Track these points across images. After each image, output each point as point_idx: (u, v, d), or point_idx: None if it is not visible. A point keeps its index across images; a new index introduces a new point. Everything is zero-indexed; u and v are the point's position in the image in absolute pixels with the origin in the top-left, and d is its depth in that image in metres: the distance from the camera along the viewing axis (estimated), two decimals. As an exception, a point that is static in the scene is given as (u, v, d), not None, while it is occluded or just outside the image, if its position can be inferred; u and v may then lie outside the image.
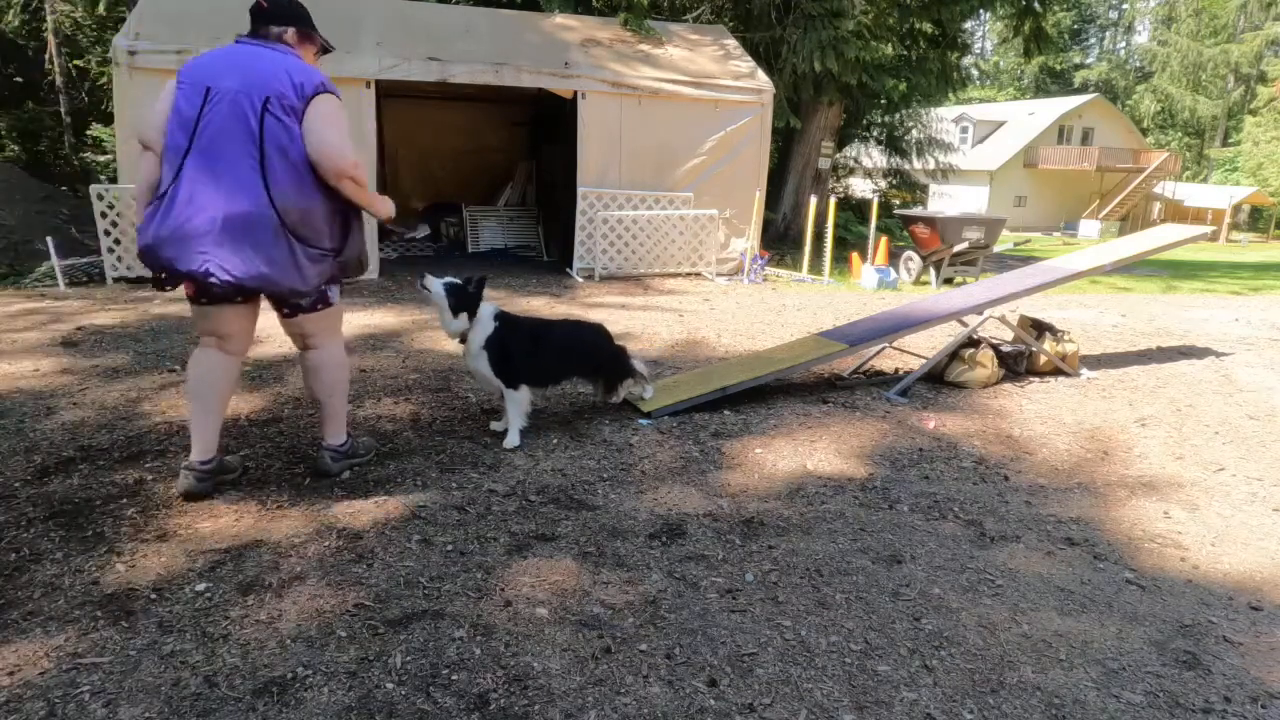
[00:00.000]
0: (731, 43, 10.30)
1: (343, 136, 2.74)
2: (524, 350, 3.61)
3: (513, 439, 3.62)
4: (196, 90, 2.66)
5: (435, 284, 3.44)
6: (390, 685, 1.98)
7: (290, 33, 2.86)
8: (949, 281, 10.29)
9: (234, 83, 2.65)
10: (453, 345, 5.17)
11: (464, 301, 3.46)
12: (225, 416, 3.84)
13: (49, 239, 7.52)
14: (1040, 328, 5.33)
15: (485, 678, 2.03)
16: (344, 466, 3.23)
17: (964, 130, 36.88)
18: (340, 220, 2.87)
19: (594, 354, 3.95)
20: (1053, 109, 37.60)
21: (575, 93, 8.74)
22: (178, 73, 2.72)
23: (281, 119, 2.65)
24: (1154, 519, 3.21)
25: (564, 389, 4.35)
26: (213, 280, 2.64)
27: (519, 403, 3.64)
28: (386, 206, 3.01)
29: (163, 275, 2.78)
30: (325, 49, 3.04)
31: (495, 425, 3.85)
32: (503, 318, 3.60)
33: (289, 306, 2.91)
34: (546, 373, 3.80)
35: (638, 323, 6.51)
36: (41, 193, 10.21)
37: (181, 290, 2.86)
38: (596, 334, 4.02)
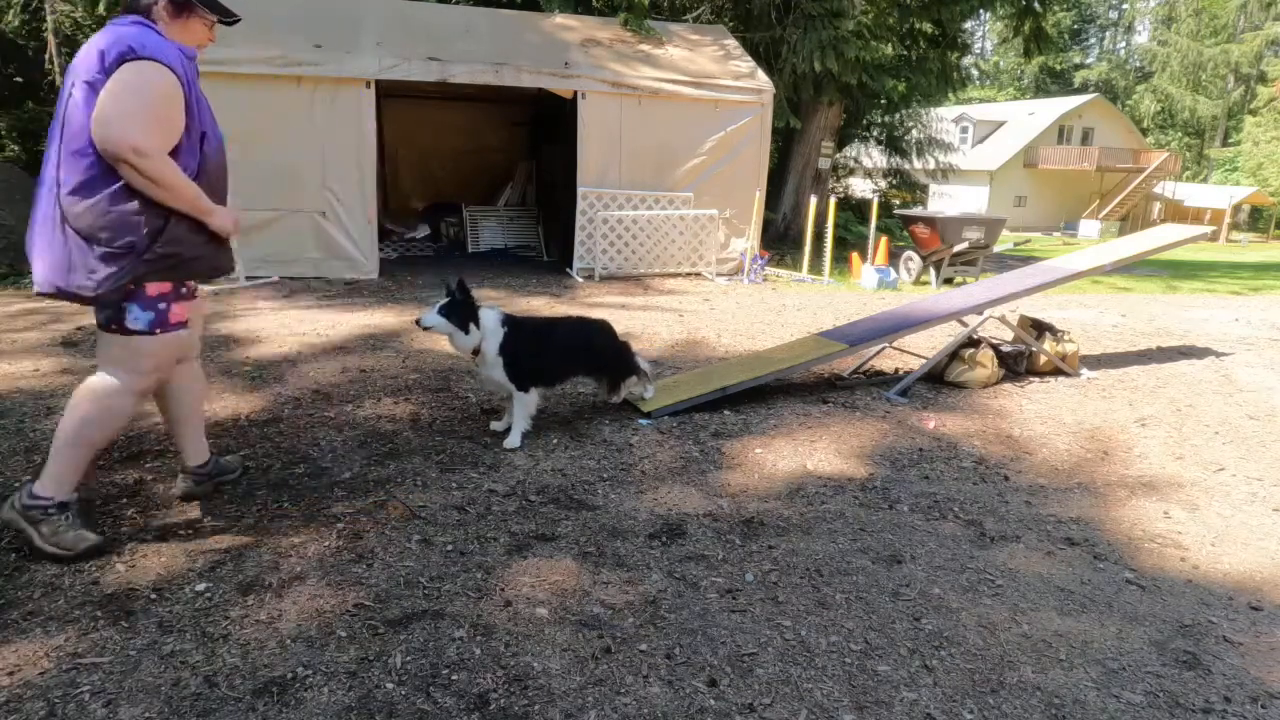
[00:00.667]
0: (731, 43, 10.30)
1: (127, 108, 2.23)
2: (533, 351, 3.61)
3: (514, 440, 3.62)
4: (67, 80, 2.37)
5: (432, 318, 3.40)
6: (390, 685, 1.98)
7: (160, 3, 2.45)
8: (949, 281, 10.29)
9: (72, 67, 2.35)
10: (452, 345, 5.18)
11: (466, 315, 3.44)
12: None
13: (49, 239, 7.51)
14: (1040, 328, 5.33)
15: (485, 678, 2.03)
16: (17, 526, 2.46)
17: (964, 130, 36.88)
18: (155, 211, 2.35)
19: (599, 351, 3.95)
20: (1053, 109, 37.60)
21: (575, 93, 8.74)
22: None
23: (81, 100, 2.28)
24: (1154, 519, 3.21)
25: (564, 389, 4.35)
26: (36, 289, 2.44)
27: (527, 405, 3.65)
28: (200, 209, 2.44)
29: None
30: (224, 20, 2.64)
31: (495, 425, 3.85)
32: (510, 322, 3.60)
33: (98, 323, 2.50)
34: (554, 372, 3.80)
35: (638, 323, 6.51)
36: (41, 193, 10.19)
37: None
38: (601, 331, 4.02)
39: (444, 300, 3.43)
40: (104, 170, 2.28)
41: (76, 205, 2.30)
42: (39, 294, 2.44)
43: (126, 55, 2.26)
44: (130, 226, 2.33)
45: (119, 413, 2.53)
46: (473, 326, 3.45)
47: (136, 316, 2.44)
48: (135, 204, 2.32)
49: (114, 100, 2.23)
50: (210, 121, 2.55)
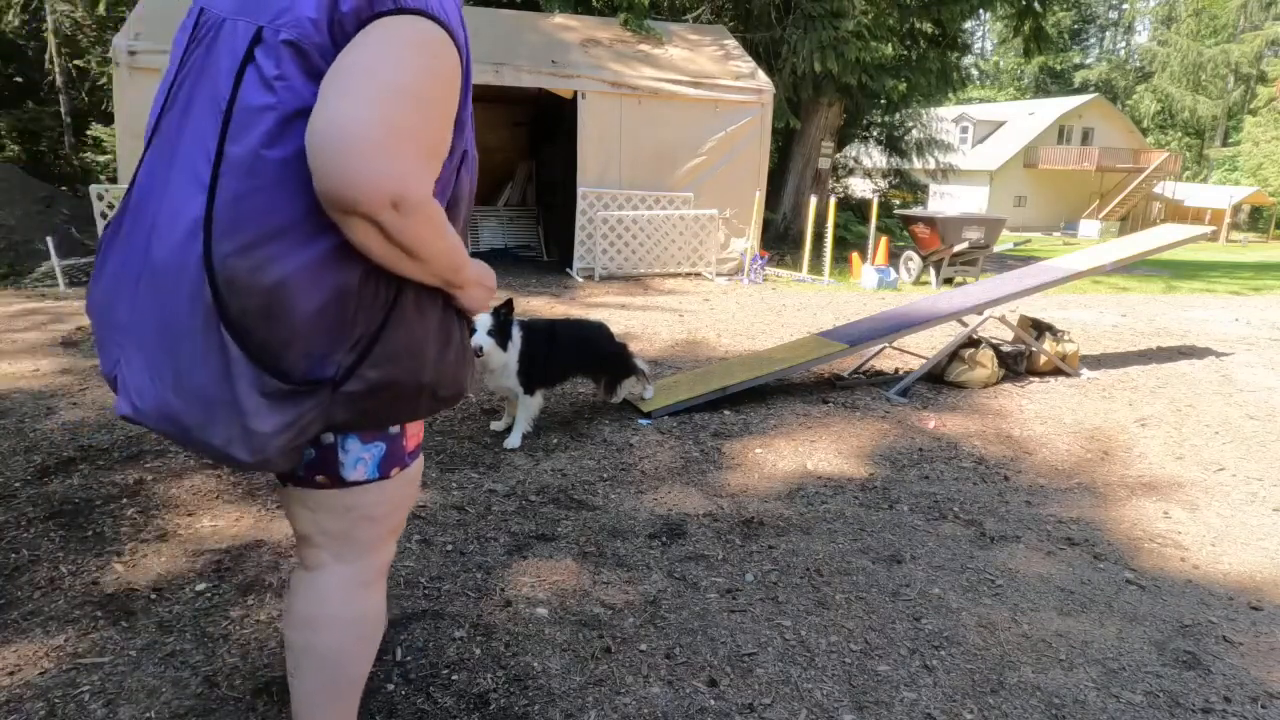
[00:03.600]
0: (731, 43, 10.30)
1: (398, 117, 1.09)
2: (541, 355, 3.63)
3: (514, 440, 3.62)
4: (189, 21, 1.30)
5: (485, 341, 3.36)
6: (390, 685, 1.98)
7: None
8: (949, 281, 10.29)
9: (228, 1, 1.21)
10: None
11: (505, 333, 3.45)
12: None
13: (49, 239, 7.52)
14: (1040, 328, 5.33)
15: (485, 678, 2.03)
16: None
17: (964, 130, 36.88)
18: (376, 299, 1.22)
19: (596, 352, 3.96)
20: (1053, 109, 37.59)
21: (575, 93, 8.74)
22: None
23: (273, 72, 1.13)
24: (1154, 519, 3.21)
25: (564, 389, 4.35)
26: (122, 407, 1.29)
27: (532, 408, 3.67)
28: (471, 278, 1.34)
29: None
30: None
31: (495, 425, 3.85)
32: (524, 328, 3.61)
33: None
34: (555, 373, 3.81)
35: (638, 322, 6.51)
36: (41, 193, 10.22)
37: None
38: (598, 332, 4.03)
39: (489, 322, 3.40)
40: (318, 218, 1.14)
41: (247, 285, 1.14)
42: (125, 415, 1.29)
43: (385, 5, 1.12)
44: (347, 329, 1.20)
45: (377, 618, 1.49)
46: (510, 344, 3.48)
47: (356, 457, 1.34)
48: (370, 286, 1.21)
49: (365, 89, 1.08)
50: (471, 130, 1.39)
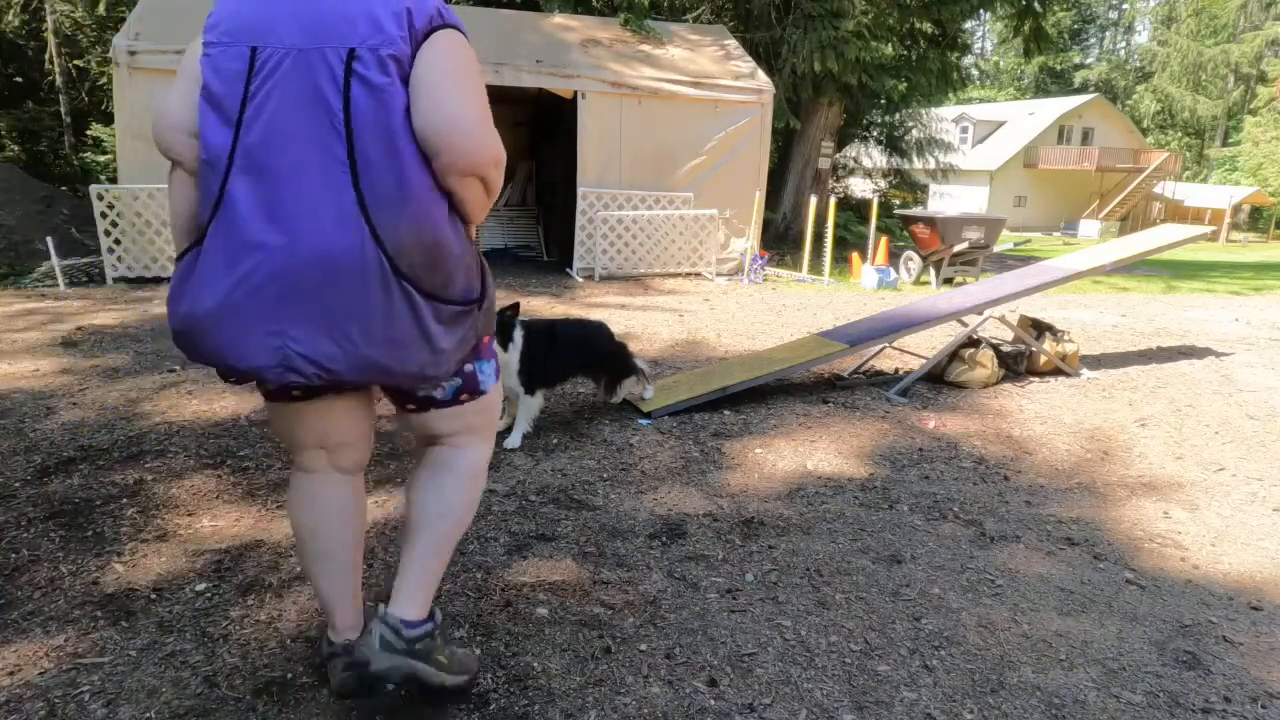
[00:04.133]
0: (731, 43, 10.30)
1: (480, 102, 1.58)
2: (542, 355, 3.63)
3: (514, 440, 3.62)
4: (235, 54, 1.51)
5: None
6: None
7: None
8: (949, 281, 10.29)
9: (294, 32, 1.51)
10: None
11: (507, 334, 3.47)
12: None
13: (49, 239, 7.53)
14: (1040, 328, 5.33)
15: (485, 678, 2.03)
16: (406, 671, 1.76)
17: (964, 130, 36.89)
18: (474, 249, 1.74)
19: (597, 351, 3.96)
20: (1053, 109, 37.61)
21: (575, 93, 8.74)
22: (204, 29, 1.55)
23: (377, 83, 1.49)
24: (1154, 519, 3.21)
25: (564, 389, 4.35)
26: (294, 379, 1.57)
27: (532, 408, 3.67)
28: None
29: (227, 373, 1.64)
30: None
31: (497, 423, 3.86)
32: (526, 328, 3.62)
33: (415, 401, 1.80)
34: (555, 373, 3.82)
35: (638, 323, 6.51)
36: (41, 193, 10.22)
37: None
38: (599, 332, 4.03)
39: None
40: (437, 192, 1.58)
41: (412, 248, 1.55)
42: (316, 376, 1.57)
43: (436, 20, 1.55)
44: (470, 271, 1.70)
45: (484, 482, 2.01)
46: (510, 344, 3.49)
47: (487, 374, 1.86)
48: (462, 234, 1.68)
49: (464, 89, 1.55)
50: None
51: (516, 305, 3.51)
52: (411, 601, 1.81)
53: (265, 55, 1.51)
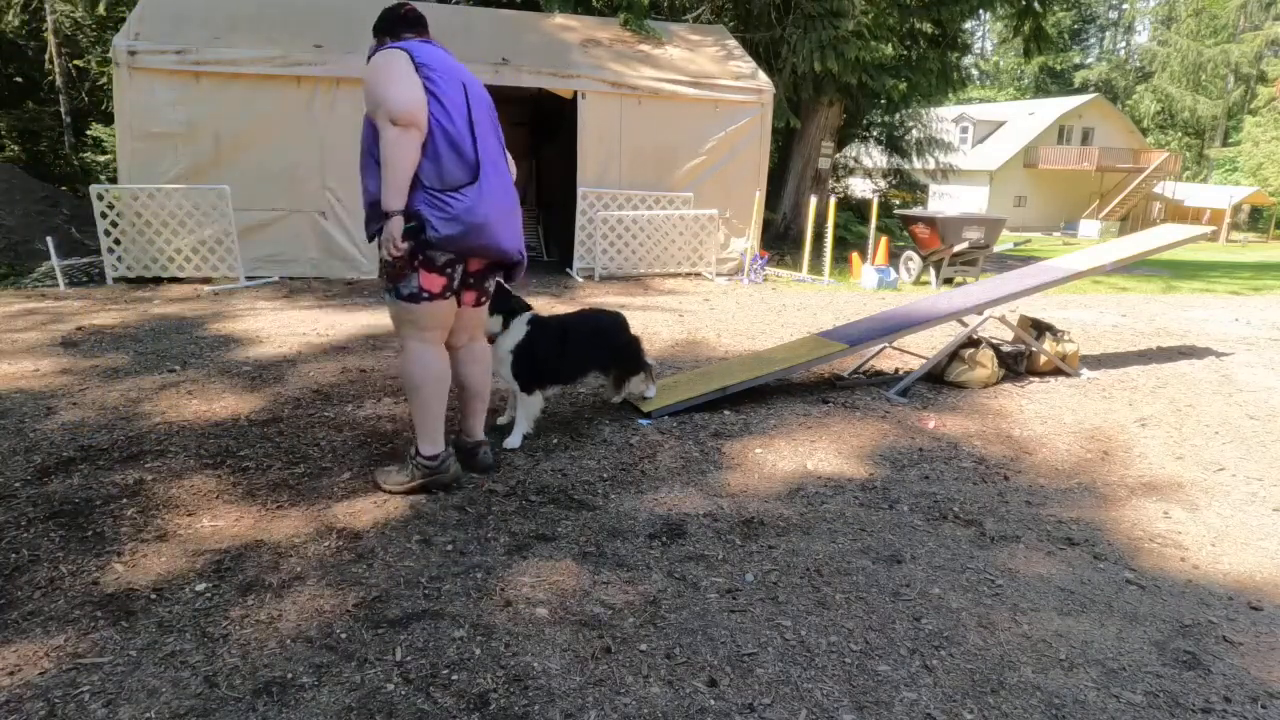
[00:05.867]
0: (732, 43, 10.30)
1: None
2: (551, 353, 3.62)
3: (514, 440, 3.62)
4: (455, 83, 2.79)
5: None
6: (390, 685, 1.98)
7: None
8: (949, 281, 10.29)
9: (476, 86, 2.92)
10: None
11: (500, 304, 3.46)
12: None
13: (49, 239, 7.53)
14: (1040, 328, 5.33)
15: (485, 678, 2.03)
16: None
17: (964, 130, 36.88)
18: None
19: (612, 344, 3.96)
20: (1053, 109, 37.60)
21: (575, 93, 8.74)
22: (418, 58, 2.72)
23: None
24: (1154, 519, 3.21)
25: (564, 388, 4.35)
26: (517, 259, 3.04)
27: (531, 407, 3.66)
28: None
29: (450, 261, 2.85)
30: None
31: (500, 420, 3.86)
32: (534, 322, 3.60)
33: (485, 293, 3.16)
34: (567, 371, 3.81)
35: (638, 322, 6.49)
36: (41, 193, 10.22)
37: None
38: (615, 323, 4.02)
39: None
40: None
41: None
42: (522, 257, 3.12)
43: None
44: None
45: None
46: (499, 318, 3.48)
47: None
48: None
49: None
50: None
51: (526, 304, 3.54)
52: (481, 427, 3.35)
53: (469, 89, 2.88)
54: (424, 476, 3.05)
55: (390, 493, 3.04)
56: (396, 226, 2.70)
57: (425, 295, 2.85)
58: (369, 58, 2.83)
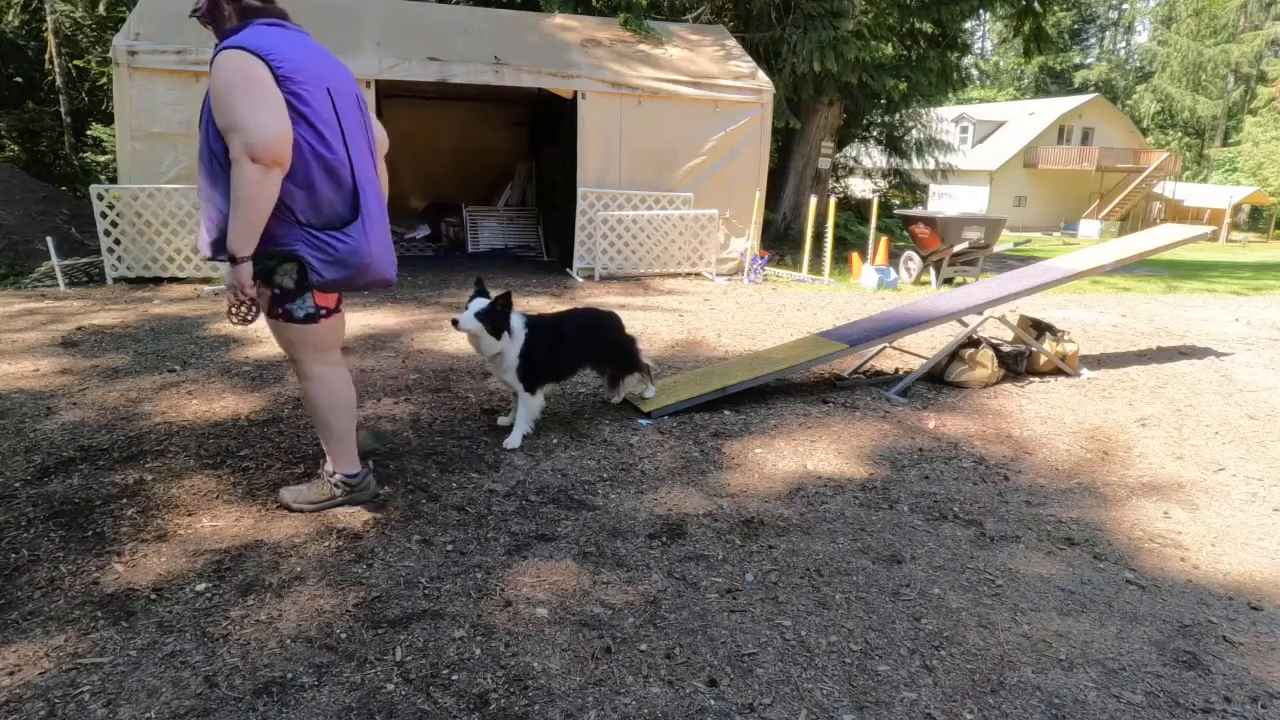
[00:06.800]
0: (731, 43, 10.30)
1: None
2: (547, 352, 3.63)
3: (514, 440, 3.62)
4: (320, 90, 2.44)
5: (470, 321, 3.40)
6: (390, 685, 1.98)
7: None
8: (949, 281, 10.29)
9: (340, 80, 2.54)
10: (452, 345, 5.19)
11: (500, 323, 3.46)
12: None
13: (49, 239, 7.53)
14: (1040, 328, 5.33)
15: (485, 678, 2.03)
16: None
17: (964, 130, 36.88)
18: None
19: (607, 342, 3.96)
20: (1053, 109, 37.60)
21: (575, 93, 8.74)
22: (279, 67, 2.32)
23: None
24: (1154, 519, 3.21)
25: (564, 388, 4.35)
26: (394, 281, 2.80)
27: (532, 407, 3.66)
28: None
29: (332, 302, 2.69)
30: None
31: (501, 420, 3.87)
32: (531, 325, 3.61)
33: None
34: (563, 367, 3.82)
35: (638, 323, 6.50)
36: (41, 193, 10.21)
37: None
38: (610, 322, 4.03)
39: (481, 304, 3.42)
40: None
41: None
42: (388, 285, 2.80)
43: None
44: None
45: None
46: (505, 334, 3.47)
47: None
48: None
49: None
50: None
51: (507, 295, 3.48)
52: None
53: (336, 93, 2.51)
54: (345, 495, 2.89)
55: (301, 511, 2.85)
56: (245, 274, 2.37)
57: (323, 312, 2.65)
58: (215, 50, 2.37)
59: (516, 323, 3.55)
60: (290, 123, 2.32)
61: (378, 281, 2.71)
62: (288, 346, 2.71)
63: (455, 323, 3.42)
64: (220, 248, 2.42)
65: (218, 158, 2.37)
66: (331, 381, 2.75)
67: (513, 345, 3.51)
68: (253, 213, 2.31)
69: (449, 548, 2.69)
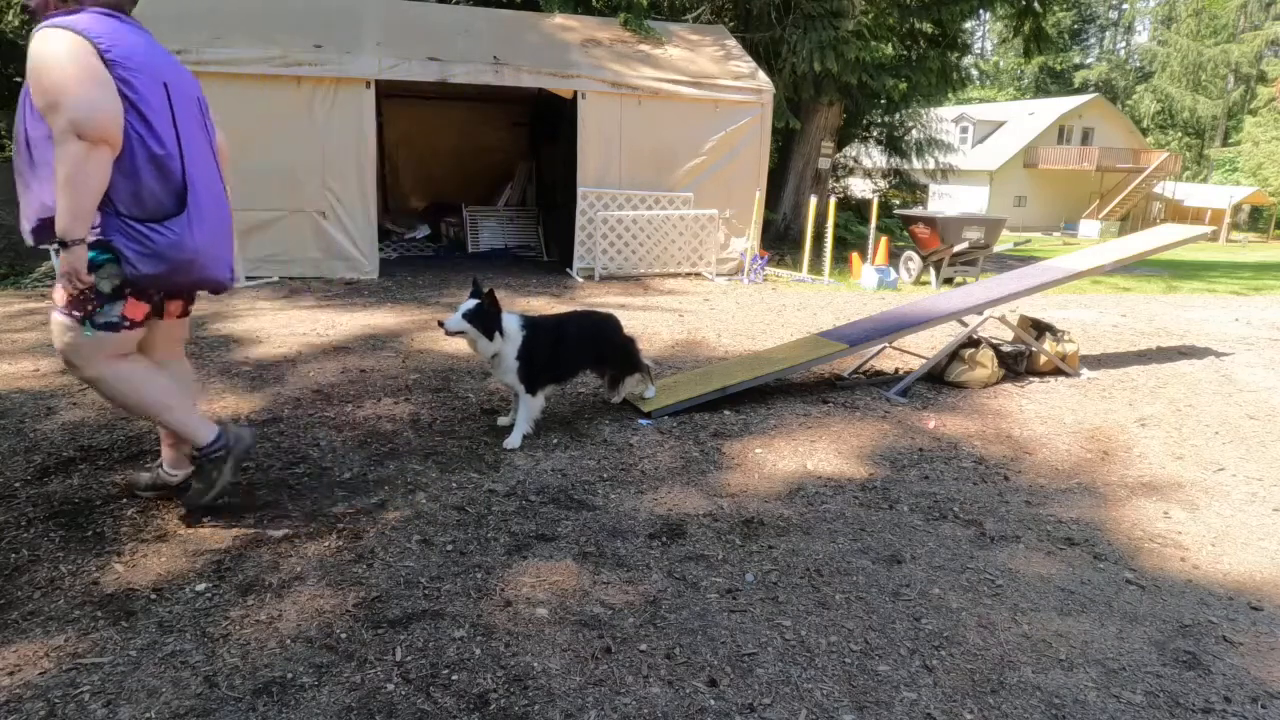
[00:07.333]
0: (731, 43, 10.30)
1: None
2: (546, 353, 3.63)
3: (514, 440, 3.62)
4: (156, 84, 2.39)
5: (457, 323, 3.40)
6: (390, 685, 1.98)
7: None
8: (949, 281, 10.29)
9: (181, 80, 2.55)
10: (452, 345, 5.18)
11: (491, 322, 3.46)
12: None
13: (49, 239, 7.51)
14: (1040, 328, 5.33)
15: (485, 678, 2.03)
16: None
17: (964, 130, 36.88)
18: None
19: (606, 344, 3.97)
20: (1053, 109, 37.61)
21: (575, 93, 8.74)
22: (109, 52, 2.25)
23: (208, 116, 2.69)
24: (1154, 519, 3.21)
25: (564, 389, 4.35)
26: (228, 285, 2.68)
27: (533, 408, 3.67)
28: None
29: (159, 295, 2.52)
30: None
31: (502, 420, 3.87)
32: (528, 326, 3.61)
33: (192, 299, 2.79)
34: (563, 368, 3.82)
35: (638, 323, 6.50)
36: (41, 193, 10.19)
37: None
38: (609, 324, 4.03)
39: (469, 305, 3.43)
40: None
41: None
42: (233, 281, 2.72)
43: None
44: None
45: None
46: (497, 334, 3.47)
47: None
48: None
49: None
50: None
51: (490, 292, 3.46)
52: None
53: (172, 88, 2.47)
54: (222, 461, 2.69)
55: (206, 504, 2.74)
56: (80, 258, 2.24)
57: (126, 324, 2.46)
58: (34, 30, 2.30)
59: (513, 324, 3.55)
60: (120, 104, 2.24)
61: (205, 281, 2.57)
62: (69, 349, 2.44)
63: (443, 327, 3.42)
64: (45, 233, 2.30)
65: (37, 145, 2.26)
66: (127, 373, 2.55)
67: (509, 346, 3.52)
68: (83, 193, 2.20)
69: (449, 548, 2.69)
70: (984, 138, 37.86)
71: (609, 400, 4.26)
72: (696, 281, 9.23)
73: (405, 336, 5.68)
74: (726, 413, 4.21)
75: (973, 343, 4.95)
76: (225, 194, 2.66)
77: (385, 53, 8.02)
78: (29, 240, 2.41)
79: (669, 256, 9.31)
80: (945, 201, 28.14)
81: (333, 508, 2.94)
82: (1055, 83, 51.20)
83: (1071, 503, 3.34)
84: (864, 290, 9.43)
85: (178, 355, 2.87)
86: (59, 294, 2.38)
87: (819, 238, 10.01)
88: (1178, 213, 34.41)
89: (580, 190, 8.88)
